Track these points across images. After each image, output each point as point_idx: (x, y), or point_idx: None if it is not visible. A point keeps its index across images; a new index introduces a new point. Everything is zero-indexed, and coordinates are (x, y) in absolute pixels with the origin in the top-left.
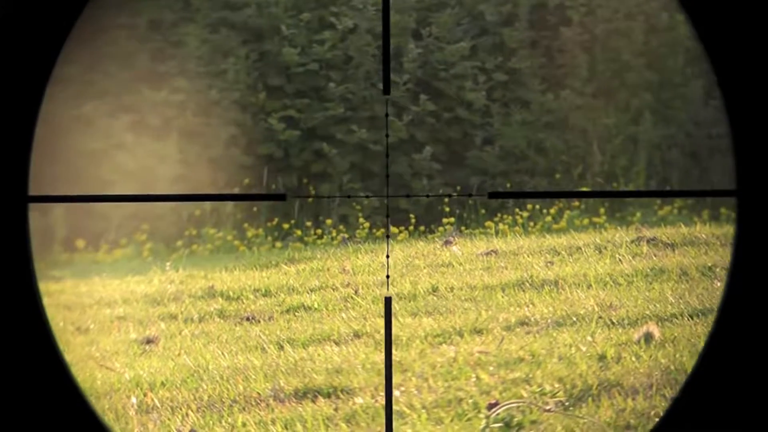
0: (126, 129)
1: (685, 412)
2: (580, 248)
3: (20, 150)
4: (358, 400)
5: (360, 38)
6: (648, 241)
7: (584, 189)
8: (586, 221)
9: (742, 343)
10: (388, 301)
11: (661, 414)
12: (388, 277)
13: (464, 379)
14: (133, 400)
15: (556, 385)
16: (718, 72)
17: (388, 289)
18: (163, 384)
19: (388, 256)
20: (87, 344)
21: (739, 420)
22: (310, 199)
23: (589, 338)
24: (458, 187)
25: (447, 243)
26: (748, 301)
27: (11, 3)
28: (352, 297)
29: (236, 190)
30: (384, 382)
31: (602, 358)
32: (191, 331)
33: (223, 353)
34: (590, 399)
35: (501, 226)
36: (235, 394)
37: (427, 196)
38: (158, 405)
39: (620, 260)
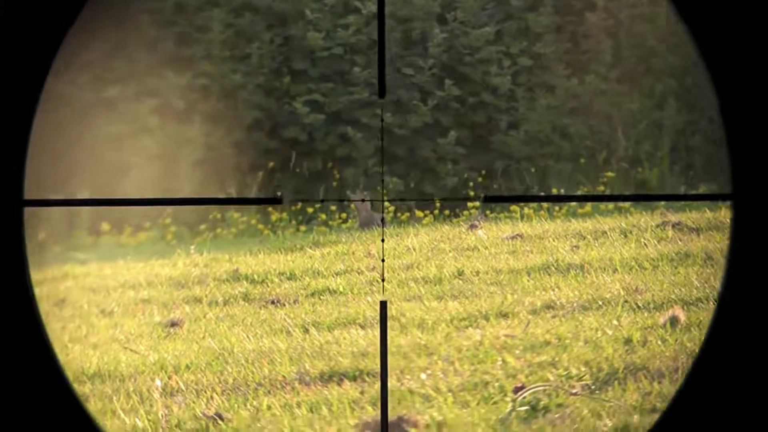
0: (150, 113)
1: (684, 410)
2: (606, 232)
3: (16, 154)
4: None
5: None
6: (673, 226)
7: (604, 185)
8: (611, 206)
9: (739, 347)
10: (383, 306)
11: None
12: (383, 280)
13: (490, 362)
14: (158, 382)
15: (582, 369)
16: (714, 76)
17: (383, 293)
18: (187, 367)
19: (383, 260)
20: (111, 327)
21: (738, 416)
22: (338, 195)
23: (614, 322)
24: (483, 171)
25: (472, 227)
26: (743, 306)
27: (7, 5)
28: (377, 280)
29: (260, 174)
30: (405, 366)
31: (628, 341)
32: (216, 314)
33: (248, 336)
34: (616, 382)
35: (526, 210)
36: (260, 377)
37: (426, 199)
38: (183, 388)
39: (645, 244)
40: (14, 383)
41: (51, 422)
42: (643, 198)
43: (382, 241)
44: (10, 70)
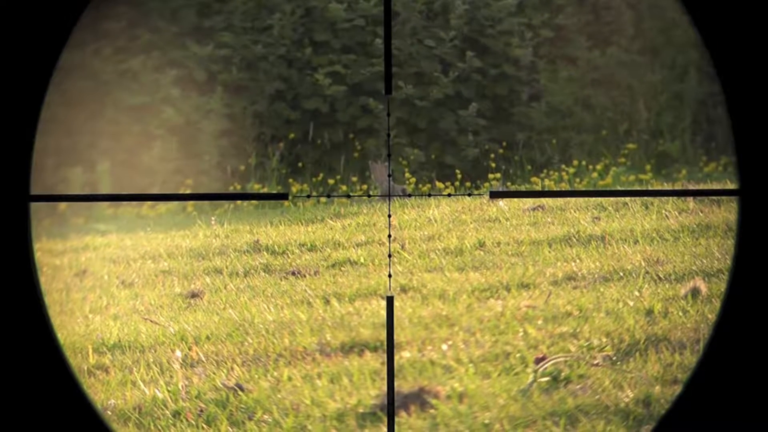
0: (172, 84)
1: (690, 406)
2: (627, 204)
3: (22, 150)
4: (405, 354)
5: None
6: (694, 197)
7: (625, 157)
8: (632, 177)
9: (745, 343)
10: (390, 301)
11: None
12: (390, 276)
13: (511, 333)
14: (178, 353)
15: (604, 340)
16: (721, 73)
17: (390, 288)
18: (208, 338)
19: (390, 255)
20: (132, 298)
21: (744, 411)
22: (360, 165)
23: (636, 293)
24: (504, 143)
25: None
26: (750, 301)
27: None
28: (398, 252)
29: (281, 145)
30: (427, 337)
31: (649, 312)
32: (236, 285)
33: (268, 307)
34: (637, 353)
35: (547, 181)
36: (280, 348)
37: (429, 195)
38: (203, 359)
39: (667, 216)
40: (22, 381)
41: (57, 415)
42: (644, 193)
43: (389, 236)
44: (14, 66)
